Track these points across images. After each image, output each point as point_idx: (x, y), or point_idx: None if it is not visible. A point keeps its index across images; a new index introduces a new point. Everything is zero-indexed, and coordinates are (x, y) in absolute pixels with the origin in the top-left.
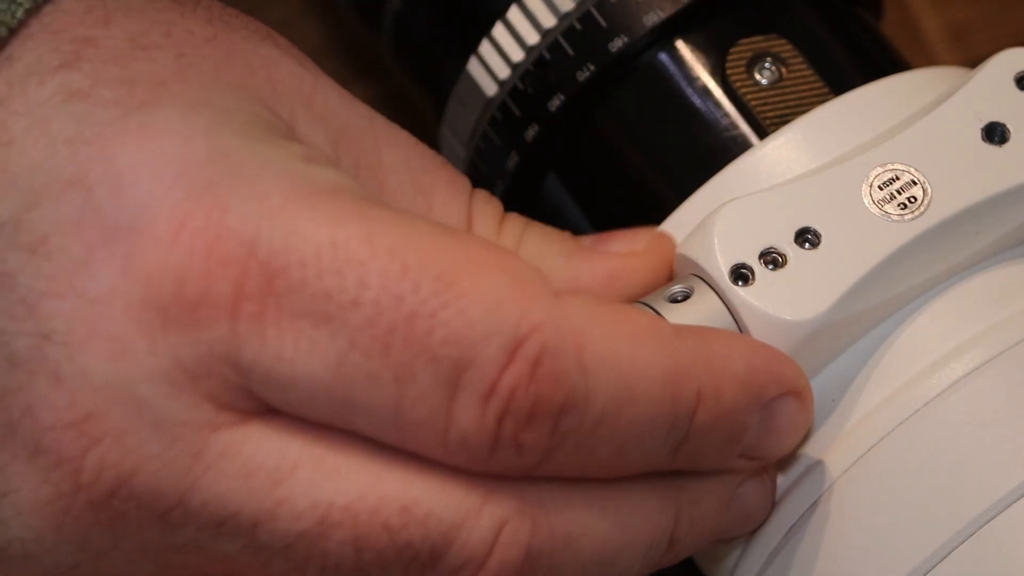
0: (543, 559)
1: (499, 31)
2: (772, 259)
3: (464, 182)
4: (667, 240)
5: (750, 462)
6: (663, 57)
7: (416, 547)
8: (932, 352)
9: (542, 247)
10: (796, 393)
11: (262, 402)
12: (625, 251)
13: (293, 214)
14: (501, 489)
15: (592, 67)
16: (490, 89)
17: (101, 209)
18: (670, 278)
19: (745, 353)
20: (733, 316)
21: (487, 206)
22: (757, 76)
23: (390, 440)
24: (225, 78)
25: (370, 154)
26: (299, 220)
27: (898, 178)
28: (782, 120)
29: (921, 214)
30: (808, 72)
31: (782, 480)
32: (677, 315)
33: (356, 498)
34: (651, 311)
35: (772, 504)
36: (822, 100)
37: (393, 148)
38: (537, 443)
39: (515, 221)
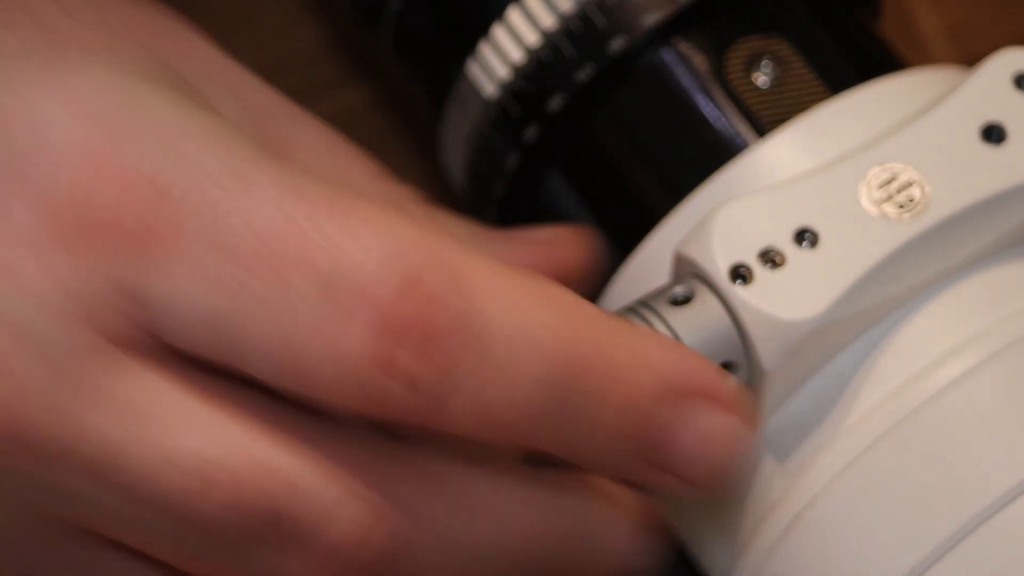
0: (406, 556)
1: (498, 32)
2: (771, 259)
3: (385, 184)
4: (578, 236)
5: (664, 474)
6: (662, 57)
7: (293, 523)
8: (930, 351)
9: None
10: (722, 404)
11: (159, 341)
12: (532, 239)
13: (201, 151)
14: (380, 483)
15: (591, 67)
16: (489, 90)
17: (17, 150)
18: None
19: (670, 350)
20: (732, 316)
21: (408, 202)
22: (756, 76)
23: (283, 378)
24: (147, 44)
25: (290, 141)
26: (206, 157)
27: (896, 178)
28: (780, 120)
29: (919, 214)
30: (806, 72)
31: (781, 478)
32: (679, 317)
33: (241, 462)
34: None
35: (644, 560)
36: (820, 100)
37: (315, 139)
38: (430, 377)
39: (440, 212)
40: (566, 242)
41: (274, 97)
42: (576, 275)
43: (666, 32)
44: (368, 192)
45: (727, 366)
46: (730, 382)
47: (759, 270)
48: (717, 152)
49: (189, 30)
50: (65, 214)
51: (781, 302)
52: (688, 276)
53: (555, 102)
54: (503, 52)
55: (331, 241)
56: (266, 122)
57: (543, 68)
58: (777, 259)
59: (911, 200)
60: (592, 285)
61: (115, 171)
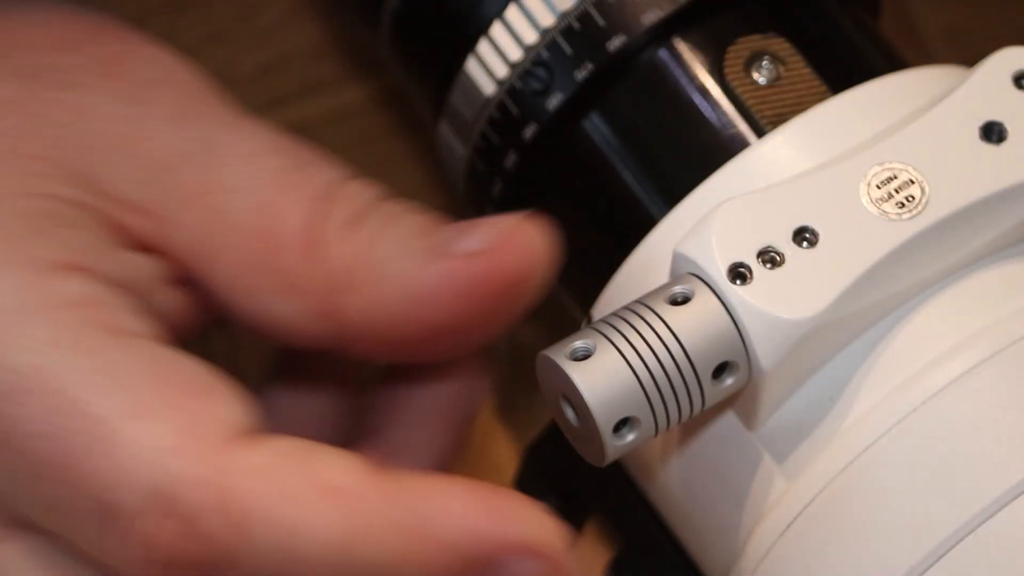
0: None
1: (497, 30)
2: (770, 258)
3: (316, 185)
4: (519, 235)
5: None
6: (661, 56)
7: None
8: (929, 351)
9: (391, 252)
10: (534, 554)
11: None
12: (469, 251)
13: None
14: None
15: (590, 66)
16: (488, 88)
17: None
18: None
19: (466, 517)
20: (731, 315)
21: (339, 208)
22: (755, 75)
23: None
24: (14, 151)
25: (206, 179)
26: None
27: (896, 177)
28: (780, 119)
29: (919, 213)
30: (806, 71)
31: (779, 478)
32: (678, 317)
33: None
34: (342, 464)
35: None
36: (820, 99)
37: (237, 163)
38: None
39: (370, 224)
40: (491, 247)
41: (189, 132)
42: (540, 263)
43: (665, 31)
44: (290, 223)
45: (726, 365)
46: (547, 533)
47: (758, 269)
48: (716, 151)
49: (91, 83)
50: None
51: (780, 301)
52: (687, 275)
53: (554, 101)
54: (502, 51)
55: (93, 464)
56: (174, 174)
57: (542, 67)
58: (776, 258)
59: (911, 199)
60: (591, 285)
61: None
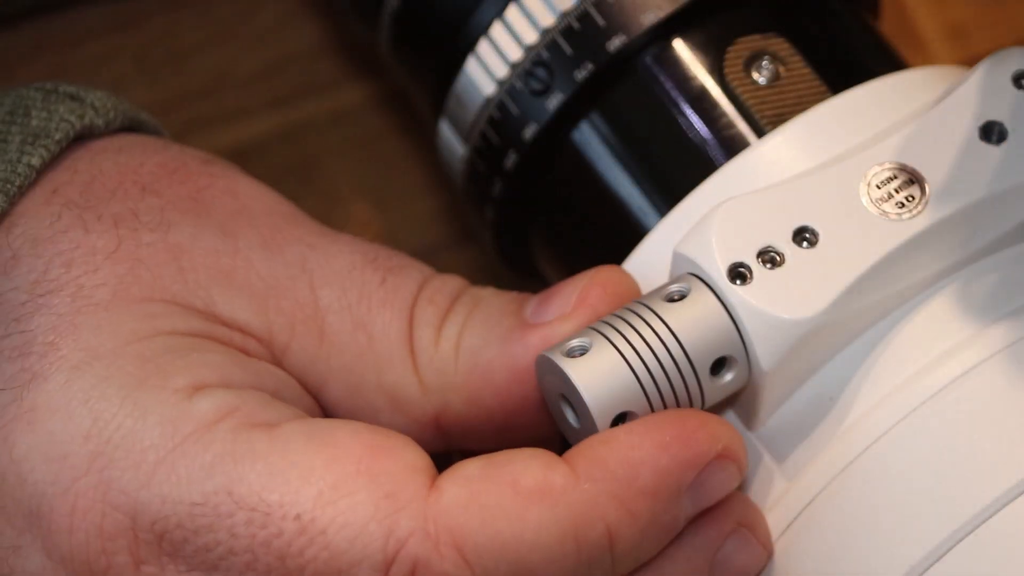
0: None
1: (497, 30)
2: (770, 258)
3: (403, 294)
4: (599, 283)
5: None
6: (661, 56)
7: None
8: (929, 351)
9: (480, 340)
10: (719, 458)
11: None
12: (557, 315)
13: (165, 476)
14: None
15: (590, 66)
16: (488, 88)
17: (15, 497)
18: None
19: (650, 459)
20: (731, 315)
21: (426, 311)
22: (755, 75)
23: None
24: (125, 297)
25: (304, 303)
26: (170, 482)
27: (896, 177)
28: (780, 119)
29: (919, 213)
30: (806, 71)
31: (780, 478)
32: (674, 314)
33: None
34: (545, 458)
35: (764, 552)
36: (820, 99)
37: (328, 285)
38: None
39: (456, 319)
40: (575, 306)
41: (282, 259)
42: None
43: (665, 31)
44: (388, 336)
45: (724, 361)
46: (719, 432)
47: (758, 269)
48: (716, 151)
49: (185, 225)
50: (71, 563)
51: (780, 301)
52: (687, 275)
53: (554, 101)
54: (502, 51)
55: (307, 557)
56: (278, 300)
57: (542, 67)
58: (776, 258)
59: (911, 199)
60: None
61: (93, 516)
